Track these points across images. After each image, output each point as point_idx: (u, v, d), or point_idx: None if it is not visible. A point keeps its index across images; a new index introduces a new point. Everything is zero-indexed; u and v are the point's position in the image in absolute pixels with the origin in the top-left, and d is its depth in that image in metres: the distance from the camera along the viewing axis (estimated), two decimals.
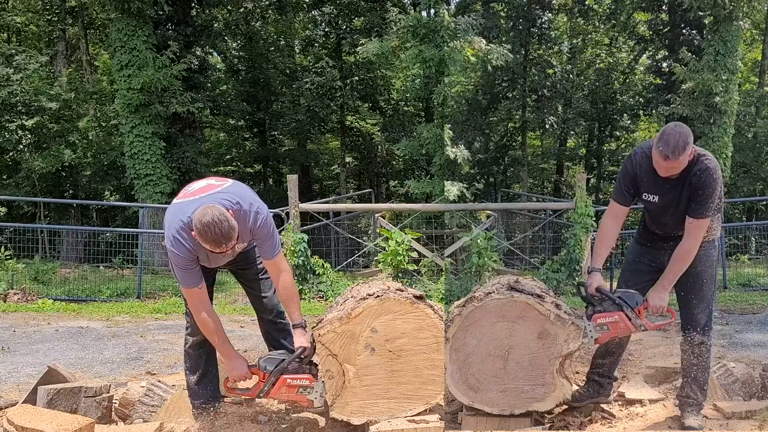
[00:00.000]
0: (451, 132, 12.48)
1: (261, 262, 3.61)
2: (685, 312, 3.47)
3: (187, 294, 3.27)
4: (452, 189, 12.06)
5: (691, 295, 3.44)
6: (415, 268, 9.24)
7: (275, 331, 3.74)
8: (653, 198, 3.37)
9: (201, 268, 3.36)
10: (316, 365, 3.35)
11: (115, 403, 3.82)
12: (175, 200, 3.35)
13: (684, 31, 19.03)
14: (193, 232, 3.05)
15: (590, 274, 3.48)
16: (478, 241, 8.71)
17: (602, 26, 23.18)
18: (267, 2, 21.24)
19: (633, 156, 3.42)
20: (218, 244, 3.00)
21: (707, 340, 3.49)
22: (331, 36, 21.96)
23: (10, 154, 16.22)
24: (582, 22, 23.07)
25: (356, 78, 21.65)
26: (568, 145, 24.36)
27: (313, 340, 3.37)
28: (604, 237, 3.53)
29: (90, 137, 17.40)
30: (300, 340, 3.35)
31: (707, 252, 3.45)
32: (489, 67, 13.34)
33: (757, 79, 19.81)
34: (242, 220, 3.16)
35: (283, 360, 3.27)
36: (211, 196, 3.20)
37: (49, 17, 19.33)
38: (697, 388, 3.52)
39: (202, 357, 3.54)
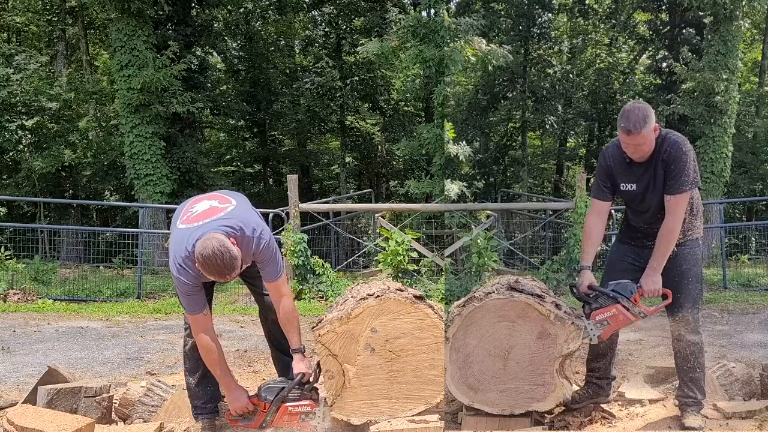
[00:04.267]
0: (452, 130, 12.45)
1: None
2: (674, 311, 3.48)
3: (191, 320, 3.28)
4: (452, 187, 12.06)
5: (678, 293, 3.44)
6: (415, 268, 9.24)
7: (278, 332, 3.70)
8: (631, 187, 3.42)
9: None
10: (317, 389, 3.36)
11: (115, 403, 3.83)
12: (178, 223, 3.34)
13: (684, 31, 19.03)
14: (196, 264, 3.06)
15: (581, 272, 3.51)
16: (478, 241, 8.70)
17: (602, 26, 23.19)
18: (267, 2, 21.25)
19: (605, 151, 3.55)
20: (222, 275, 3.03)
21: (698, 338, 3.50)
22: (331, 36, 21.97)
23: (10, 154, 16.21)
24: (582, 22, 23.08)
25: (356, 78, 21.66)
26: (568, 145, 24.38)
27: (318, 367, 3.37)
28: (590, 235, 3.59)
29: (90, 137, 17.40)
30: (299, 365, 3.34)
31: (692, 250, 3.47)
32: (489, 68, 13.34)
33: (757, 79, 19.82)
34: (245, 246, 3.17)
35: (283, 388, 3.27)
36: (214, 222, 3.20)
37: (49, 17, 19.32)
38: (694, 386, 3.53)
39: (201, 358, 3.54)
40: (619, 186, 3.47)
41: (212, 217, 3.24)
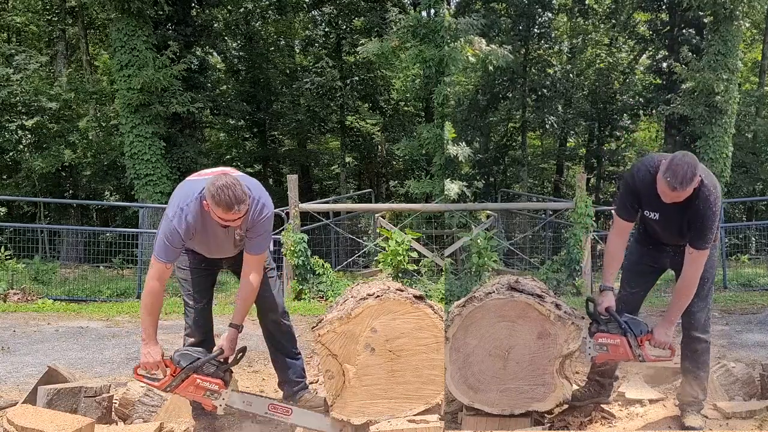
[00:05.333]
0: (452, 130, 12.45)
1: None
2: (685, 312, 3.48)
3: (154, 264, 3.23)
4: (453, 187, 12.06)
5: None
6: (415, 268, 9.23)
7: (278, 332, 3.71)
8: (654, 215, 3.39)
9: (202, 271, 3.36)
10: (231, 372, 3.32)
11: (115, 403, 3.82)
12: (188, 179, 3.40)
13: (684, 31, 19.03)
14: (204, 202, 3.08)
15: (602, 292, 3.45)
16: (478, 241, 8.70)
17: (602, 26, 23.18)
18: (267, 2, 21.25)
19: (636, 172, 3.38)
20: (230, 207, 3.02)
21: (706, 338, 3.54)
22: (331, 36, 21.96)
23: (10, 154, 16.22)
24: (582, 22, 23.07)
25: (356, 78, 21.65)
26: (568, 145, 24.37)
27: (241, 351, 3.34)
28: (613, 255, 3.49)
29: (90, 137, 17.39)
30: (223, 341, 3.31)
31: (710, 252, 3.46)
32: (489, 68, 13.34)
33: (757, 79, 19.81)
34: (249, 207, 3.19)
35: (198, 359, 3.22)
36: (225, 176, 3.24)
37: (49, 17, 19.32)
38: (697, 386, 3.54)
39: None
40: (643, 210, 3.43)
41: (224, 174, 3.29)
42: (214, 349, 3.30)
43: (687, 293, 3.33)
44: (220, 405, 3.24)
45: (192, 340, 3.52)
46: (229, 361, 3.29)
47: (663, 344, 3.35)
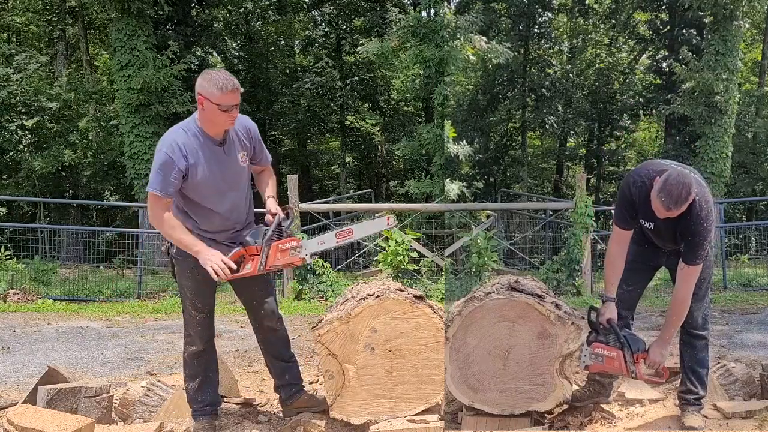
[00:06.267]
0: (452, 129, 12.45)
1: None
2: None
3: (149, 199, 3.22)
4: (452, 187, 12.06)
5: None
6: (415, 268, 9.23)
7: (274, 338, 3.66)
8: (649, 225, 3.41)
9: (206, 274, 3.34)
10: (290, 228, 3.45)
11: (115, 403, 3.82)
12: None
13: (684, 31, 19.04)
14: (199, 98, 3.14)
15: (605, 303, 3.45)
16: (478, 241, 8.71)
17: (602, 26, 23.20)
18: (267, 2, 21.26)
19: (633, 183, 3.37)
20: (226, 84, 3.10)
21: (705, 335, 3.56)
22: (331, 36, 21.98)
23: (10, 154, 16.23)
24: (582, 22, 23.09)
25: (356, 78, 21.67)
26: (568, 145, 24.39)
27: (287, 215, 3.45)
28: (614, 264, 3.48)
29: (90, 137, 17.40)
30: (273, 207, 3.44)
31: None
32: (489, 66, 13.35)
33: (757, 79, 19.82)
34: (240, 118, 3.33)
35: (267, 229, 3.34)
36: None
37: (49, 17, 19.34)
38: (696, 380, 3.55)
39: (201, 365, 3.49)
40: (638, 219, 3.44)
41: None
42: (267, 216, 3.41)
43: (681, 310, 3.35)
44: (306, 255, 3.36)
45: (194, 348, 3.48)
46: (283, 220, 3.40)
47: (656, 364, 3.37)
